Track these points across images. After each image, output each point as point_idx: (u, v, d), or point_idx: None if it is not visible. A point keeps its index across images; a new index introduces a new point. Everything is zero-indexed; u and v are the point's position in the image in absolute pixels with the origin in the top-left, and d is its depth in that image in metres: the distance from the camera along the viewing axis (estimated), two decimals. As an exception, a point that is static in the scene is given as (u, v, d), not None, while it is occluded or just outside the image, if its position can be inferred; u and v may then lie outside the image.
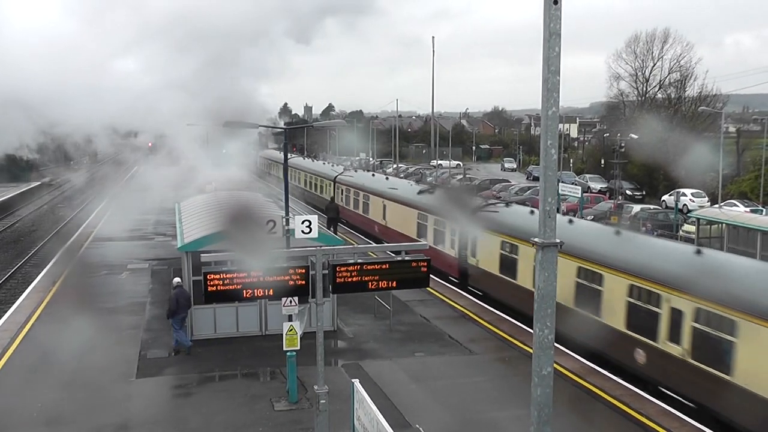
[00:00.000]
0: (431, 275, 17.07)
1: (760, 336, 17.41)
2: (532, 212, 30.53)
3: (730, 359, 18.24)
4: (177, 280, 25.39)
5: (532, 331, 10.32)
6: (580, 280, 23.98)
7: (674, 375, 20.34)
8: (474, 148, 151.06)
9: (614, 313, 22.48)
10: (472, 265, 32.34)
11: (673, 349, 20.14)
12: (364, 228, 48.78)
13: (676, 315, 20.03)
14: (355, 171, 62.03)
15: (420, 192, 41.14)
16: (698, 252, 21.89)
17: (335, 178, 57.64)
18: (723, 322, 18.47)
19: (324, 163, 72.84)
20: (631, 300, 21.82)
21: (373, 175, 58.73)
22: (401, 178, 60.18)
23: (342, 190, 55.22)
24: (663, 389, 20.77)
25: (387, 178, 52.84)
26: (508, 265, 29.10)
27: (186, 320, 24.81)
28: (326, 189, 59.42)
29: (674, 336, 20.11)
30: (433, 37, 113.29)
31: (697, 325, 19.33)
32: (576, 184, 73.01)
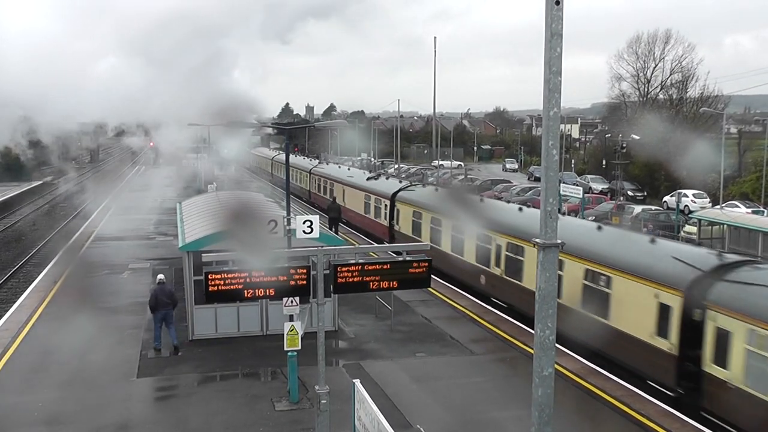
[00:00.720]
0: (372, 242, 17.96)
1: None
2: (436, 190, 44.93)
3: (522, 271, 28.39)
4: (160, 276, 25.77)
5: (533, 331, 10.32)
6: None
7: (497, 288, 30.63)
8: (475, 148, 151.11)
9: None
10: (396, 230, 43.55)
11: (497, 271, 30.48)
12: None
13: (498, 249, 30.52)
14: (327, 164, 72.69)
15: (368, 179, 53.30)
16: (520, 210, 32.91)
17: (311, 170, 69.62)
18: (518, 249, 28.92)
19: (304, 158, 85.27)
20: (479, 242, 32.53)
21: (339, 167, 69.48)
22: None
23: (314, 180, 67.46)
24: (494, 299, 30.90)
25: (348, 169, 65.20)
26: (416, 228, 40.42)
27: (169, 318, 24.64)
28: (303, 179, 71.97)
29: (498, 262, 30.56)
30: (435, 38, 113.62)
31: (509, 254, 29.65)
32: (577, 185, 73.01)
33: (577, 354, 23.54)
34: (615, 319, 22.77)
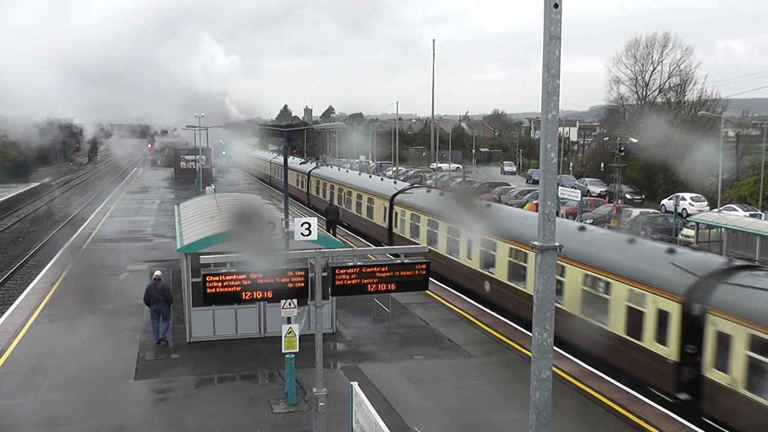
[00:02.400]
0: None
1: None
2: (370, 177, 56.59)
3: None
4: (157, 272, 26.38)
5: (531, 334, 10.31)
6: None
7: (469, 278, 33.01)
8: (474, 151, 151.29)
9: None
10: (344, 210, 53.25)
11: (472, 264, 32.74)
12: (300, 197, 68.93)
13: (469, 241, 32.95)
14: (301, 162, 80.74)
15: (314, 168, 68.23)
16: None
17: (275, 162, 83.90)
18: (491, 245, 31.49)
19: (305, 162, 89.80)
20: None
21: (308, 161, 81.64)
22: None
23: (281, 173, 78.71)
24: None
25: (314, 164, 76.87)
26: (355, 207, 51.28)
27: (164, 313, 25.47)
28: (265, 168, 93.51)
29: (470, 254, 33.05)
30: (433, 40, 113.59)
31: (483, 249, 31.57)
32: (575, 188, 72.99)
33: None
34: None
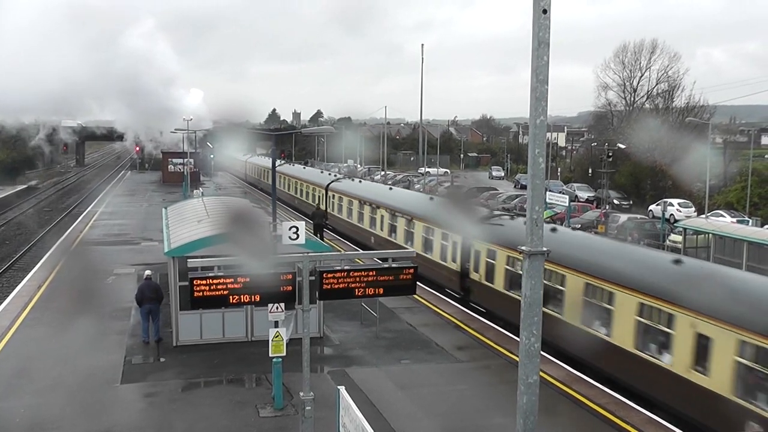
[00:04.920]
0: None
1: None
2: (322, 172, 63.66)
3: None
4: (147, 272, 26.63)
5: (518, 339, 10.31)
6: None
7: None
8: (462, 155, 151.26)
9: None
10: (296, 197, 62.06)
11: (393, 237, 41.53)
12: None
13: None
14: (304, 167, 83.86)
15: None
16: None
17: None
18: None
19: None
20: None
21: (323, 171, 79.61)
22: (389, 185, 61.23)
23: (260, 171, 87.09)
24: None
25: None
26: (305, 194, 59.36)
27: (155, 313, 25.72)
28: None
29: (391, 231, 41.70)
30: (422, 45, 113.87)
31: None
32: (563, 193, 73.19)
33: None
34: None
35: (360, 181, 58.82)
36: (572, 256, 24.78)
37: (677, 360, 19.66)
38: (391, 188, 55.04)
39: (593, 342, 22.81)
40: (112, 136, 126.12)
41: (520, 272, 13.36)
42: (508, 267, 28.46)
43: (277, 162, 75.39)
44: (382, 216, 43.71)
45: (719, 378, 18.28)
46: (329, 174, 66.30)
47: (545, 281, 16.73)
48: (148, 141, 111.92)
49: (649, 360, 20.76)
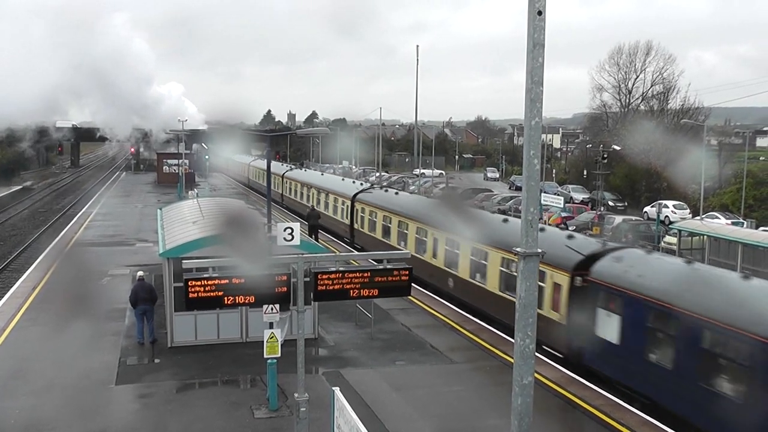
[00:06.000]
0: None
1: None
2: (344, 179, 58.72)
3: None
4: (140, 273, 26.65)
5: (512, 340, 10.32)
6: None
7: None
8: (457, 157, 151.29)
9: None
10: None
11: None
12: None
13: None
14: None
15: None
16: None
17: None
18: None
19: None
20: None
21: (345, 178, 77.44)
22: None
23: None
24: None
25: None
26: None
27: (149, 314, 25.75)
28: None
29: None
30: (417, 46, 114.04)
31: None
32: (558, 195, 73.27)
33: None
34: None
35: (397, 193, 46.64)
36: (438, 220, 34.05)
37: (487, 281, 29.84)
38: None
39: (444, 273, 33.69)
40: (94, 135, 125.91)
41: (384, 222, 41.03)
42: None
43: (287, 166, 73.37)
44: (457, 244, 32.14)
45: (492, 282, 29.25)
46: (354, 182, 55.20)
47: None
48: (134, 140, 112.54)
49: (477, 284, 30.62)
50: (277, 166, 76.79)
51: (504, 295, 28.36)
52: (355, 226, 46.99)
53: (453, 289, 32.69)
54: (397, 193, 46.53)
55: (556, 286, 25.01)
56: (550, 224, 48.99)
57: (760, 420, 17.01)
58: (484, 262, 30.09)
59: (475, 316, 29.94)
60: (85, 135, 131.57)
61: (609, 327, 22.32)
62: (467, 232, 30.07)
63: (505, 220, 31.93)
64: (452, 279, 32.75)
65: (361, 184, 53.24)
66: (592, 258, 24.29)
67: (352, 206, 47.57)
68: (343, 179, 59.68)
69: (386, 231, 41.39)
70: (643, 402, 20.85)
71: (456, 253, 32.47)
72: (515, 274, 16.23)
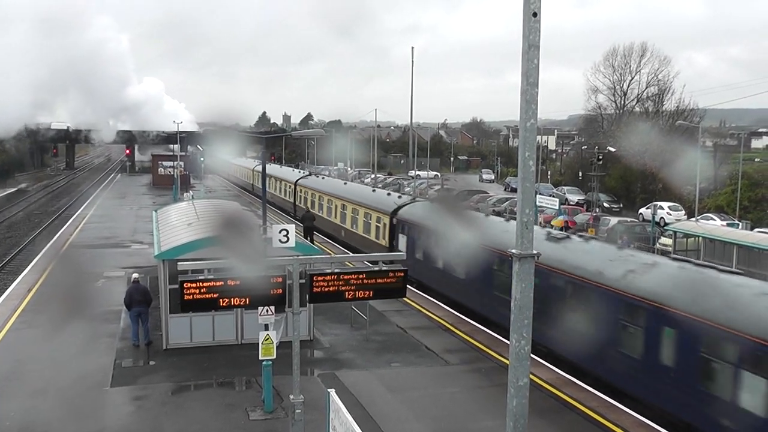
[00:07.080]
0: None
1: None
2: (374, 190, 53.38)
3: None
4: (134, 275, 26.87)
5: (507, 342, 10.32)
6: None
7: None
8: (452, 158, 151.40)
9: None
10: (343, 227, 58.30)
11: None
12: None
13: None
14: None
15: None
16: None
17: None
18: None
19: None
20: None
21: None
22: (379, 187, 60.36)
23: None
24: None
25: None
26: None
27: (144, 316, 25.81)
28: None
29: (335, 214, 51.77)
30: (412, 48, 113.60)
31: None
32: (553, 196, 73.35)
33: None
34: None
35: None
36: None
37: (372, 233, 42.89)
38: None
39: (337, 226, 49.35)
40: (81, 138, 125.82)
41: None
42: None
43: (299, 172, 70.63)
44: None
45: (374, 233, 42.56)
46: (389, 194, 46.30)
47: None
48: (121, 140, 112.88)
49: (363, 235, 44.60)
50: (287, 172, 71.89)
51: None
52: (397, 246, 37.78)
53: None
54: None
55: (384, 224, 41.12)
56: (554, 225, 49.39)
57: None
58: None
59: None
60: (71, 136, 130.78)
61: (402, 243, 37.49)
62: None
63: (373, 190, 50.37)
64: None
65: (399, 196, 44.98)
66: (400, 207, 39.93)
67: (392, 224, 39.61)
68: (374, 190, 51.59)
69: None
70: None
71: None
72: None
